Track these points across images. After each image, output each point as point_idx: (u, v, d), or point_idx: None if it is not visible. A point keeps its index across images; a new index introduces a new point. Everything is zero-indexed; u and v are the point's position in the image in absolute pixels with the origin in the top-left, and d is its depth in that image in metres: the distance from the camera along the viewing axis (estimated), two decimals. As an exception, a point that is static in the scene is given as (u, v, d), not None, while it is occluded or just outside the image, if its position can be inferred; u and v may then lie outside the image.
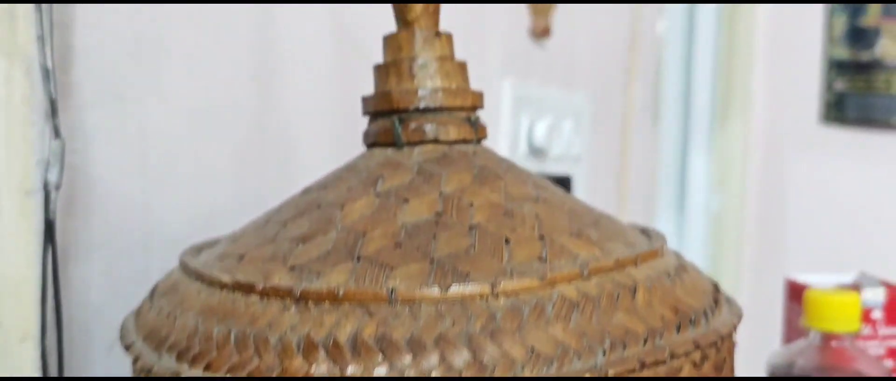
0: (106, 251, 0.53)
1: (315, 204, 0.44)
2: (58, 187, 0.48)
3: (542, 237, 0.39)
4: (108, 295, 0.53)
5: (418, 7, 0.47)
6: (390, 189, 0.42)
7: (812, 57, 2.22)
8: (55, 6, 0.49)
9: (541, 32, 1.05)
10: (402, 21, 0.48)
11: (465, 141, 0.46)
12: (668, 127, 2.30)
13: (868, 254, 2.11)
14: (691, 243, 2.35)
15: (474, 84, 0.96)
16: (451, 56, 0.48)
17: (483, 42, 0.96)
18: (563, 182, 1.04)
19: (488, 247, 0.38)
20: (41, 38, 0.47)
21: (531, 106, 1.05)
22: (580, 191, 1.17)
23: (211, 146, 0.60)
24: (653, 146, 1.58)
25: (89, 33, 0.51)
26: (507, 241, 0.38)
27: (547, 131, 1.04)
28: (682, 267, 0.43)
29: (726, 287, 1.78)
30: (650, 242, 0.44)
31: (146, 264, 0.55)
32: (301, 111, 0.68)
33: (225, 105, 0.61)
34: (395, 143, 0.45)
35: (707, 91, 2.32)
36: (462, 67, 0.48)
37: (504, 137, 1.01)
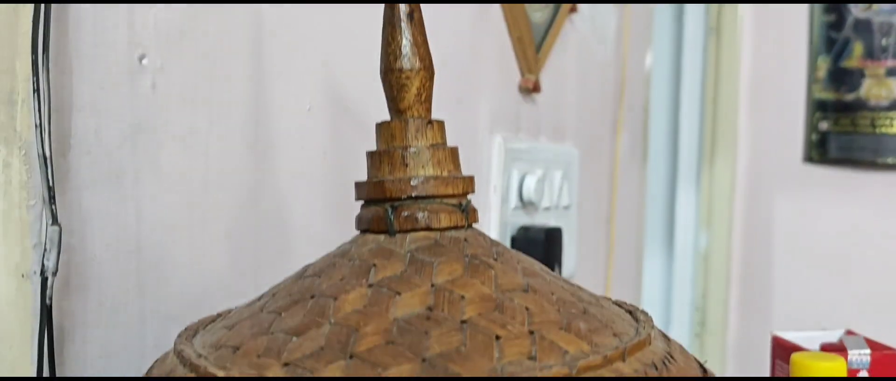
0: (102, 331, 0.53)
1: (309, 293, 0.44)
2: (55, 273, 0.48)
3: (531, 333, 0.40)
4: (105, 374, 0.54)
5: (410, 96, 0.48)
6: (383, 280, 0.43)
7: (796, 98, 2.25)
8: (54, 91, 0.50)
9: (531, 88, 1.07)
10: (395, 109, 0.49)
11: (456, 227, 0.47)
12: (656, 166, 2.32)
13: (853, 293, 2.13)
14: (679, 282, 2.37)
15: (466, 140, 0.98)
16: (443, 142, 0.49)
17: (475, 99, 0.97)
18: (554, 235, 1.05)
19: (479, 345, 0.38)
20: (39, 126, 0.48)
21: (521, 160, 1.06)
22: (570, 240, 1.18)
23: (206, 223, 0.61)
24: (640, 187, 1.60)
25: (87, 118, 0.52)
26: (497, 337, 0.39)
27: (537, 184, 1.06)
28: (670, 355, 0.44)
29: (714, 326, 1.77)
30: (638, 329, 0.45)
31: (141, 342, 0.55)
32: (295, 185, 0.69)
33: (219, 180, 0.62)
34: (387, 230, 0.46)
35: (694, 131, 2.35)
36: (453, 153, 0.49)
37: (495, 192, 1.02)
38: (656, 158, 2.29)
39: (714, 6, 2.31)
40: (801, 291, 2.22)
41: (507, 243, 1.03)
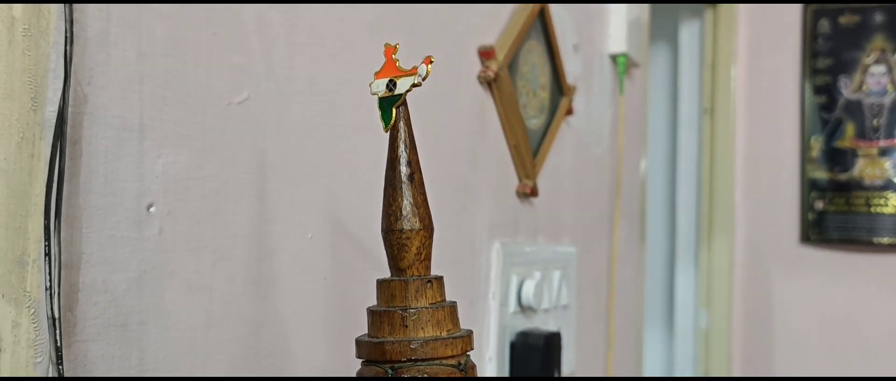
0: None
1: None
2: (59, 433, 0.49)
3: None
4: None
5: (410, 256, 0.50)
6: (384, 449, 0.44)
7: (791, 177, 2.28)
8: (64, 249, 0.51)
9: (529, 193, 1.09)
10: (395, 267, 0.50)
11: (455, 386, 0.48)
12: (654, 246, 2.33)
13: (850, 369, 2.12)
14: (681, 361, 2.36)
15: (465, 247, 0.99)
16: (443, 299, 0.50)
17: (474, 207, 0.99)
18: (553, 340, 1.06)
19: None
20: (50, 289, 0.49)
21: (520, 263, 1.07)
22: (569, 340, 1.19)
23: (208, 363, 0.61)
24: (639, 270, 1.60)
25: (95, 270, 0.54)
26: None
27: (535, 289, 1.07)
28: None
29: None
30: None
31: None
32: (297, 314, 0.70)
33: (222, 319, 0.63)
34: (388, 392, 0.47)
35: (691, 210, 2.37)
36: (453, 310, 0.50)
37: (494, 298, 1.03)
38: (654, 238, 2.31)
39: (708, 87, 2.36)
40: (802, 370, 2.21)
41: (506, 350, 1.04)
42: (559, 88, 1.18)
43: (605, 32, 1.39)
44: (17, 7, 0.50)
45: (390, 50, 0.52)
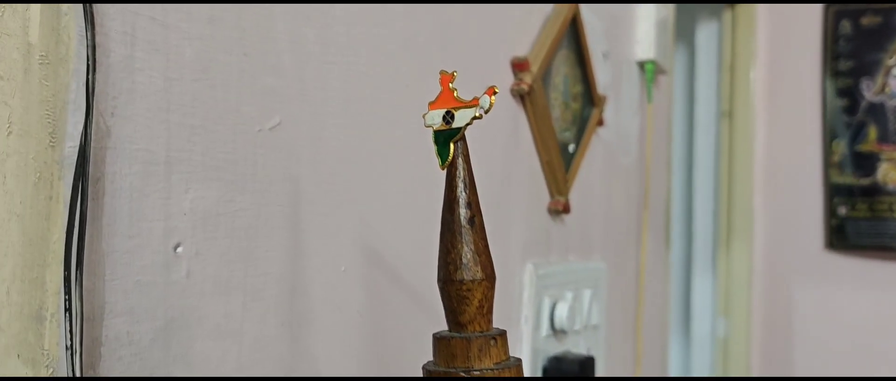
0: None
1: None
2: None
3: None
4: None
5: (472, 310, 0.45)
6: None
7: (813, 182, 2.22)
8: (86, 300, 0.46)
9: (561, 209, 1.04)
10: (455, 322, 0.45)
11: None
12: (672, 253, 2.28)
13: (879, 386, 2.07)
14: (698, 371, 2.31)
15: (498, 270, 0.94)
16: (508, 356, 0.45)
17: (506, 227, 0.94)
18: (587, 364, 1.01)
19: None
20: (69, 347, 0.44)
21: (552, 286, 1.02)
22: (599, 360, 1.13)
23: (240, 414, 0.57)
24: (665, 281, 1.55)
25: (119, 322, 0.49)
26: None
27: (569, 312, 1.02)
28: None
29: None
30: None
31: None
32: (331, 355, 0.65)
33: (254, 364, 0.58)
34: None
35: (708, 216, 2.31)
36: (518, 370, 0.45)
37: (526, 323, 0.98)
38: (672, 243, 2.25)
39: (726, 90, 2.30)
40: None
41: (538, 375, 0.99)
42: (590, 98, 1.13)
43: (632, 38, 1.34)
44: (34, 32, 0.44)
45: (447, 78, 0.47)
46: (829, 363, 2.16)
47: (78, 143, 0.46)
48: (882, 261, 2.15)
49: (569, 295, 1.05)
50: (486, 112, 0.45)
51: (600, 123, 1.17)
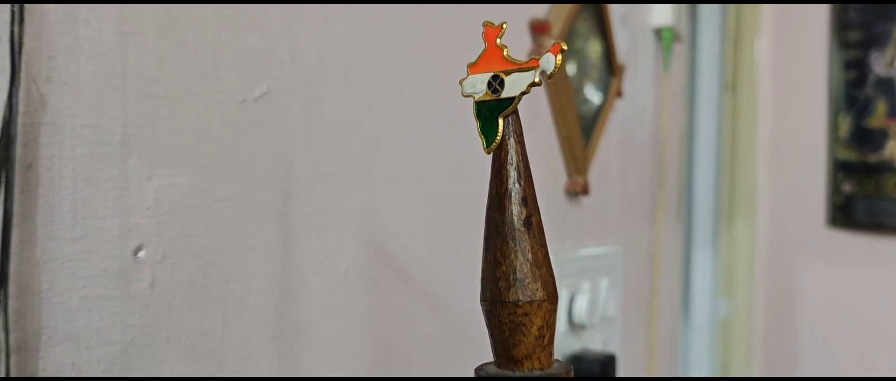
0: None
1: None
2: None
3: None
4: None
5: (530, 340, 0.34)
6: None
7: (817, 158, 2.13)
8: (16, 328, 0.35)
9: (580, 190, 0.93)
10: (506, 356, 0.34)
11: None
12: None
13: (879, 363, 2.00)
14: (696, 352, 2.23)
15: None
16: (572, 399, 0.35)
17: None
18: (608, 363, 0.91)
19: None
20: (-9, 393, 0.33)
21: (569, 275, 0.92)
22: (617, 352, 1.04)
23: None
24: (678, 263, 1.46)
25: (60, 351, 0.37)
26: None
27: (589, 305, 0.91)
28: None
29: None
30: None
31: None
32: (328, 370, 0.54)
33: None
34: None
35: (710, 192, 2.22)
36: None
37: (541, 319, 0.87)
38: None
39: (730, 61, 2.20)
40: (827, 362, 2.09)
41: (558, 378, 0.88)
42: (610, 67, 1.02)
43: (648, 3, 1.23)
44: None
45: (493, 32, 0.35)
46: (832, 342, 2.09)
47: (0, 117, 0.34)
48: (888, 239, 2.07)
49: (586, 286, 0.95)
50: (550, 77, 0.34)
51: (619, 94, 1.06)
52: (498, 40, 0.35)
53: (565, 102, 0.88)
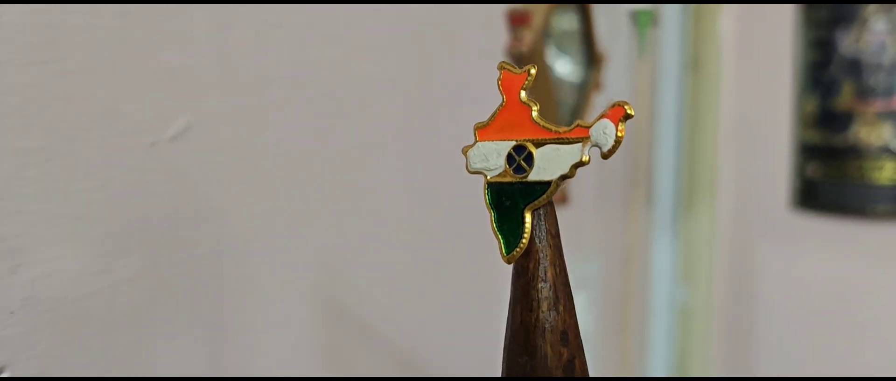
0: None
1: None
2: None
3: None
4: None
5: None
6: None
7: (781, 140, 2.08)
8: None
9: (559, 200, 0.82)
10: None
11: None
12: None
13: (841, 349, 1.97)
14: (655, 339, 2.17)
15: (482, 275, 0.72)
16: None
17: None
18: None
19: None
20: None
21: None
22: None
23: None
24: (647, 269, 1.38)
25: None
26: None
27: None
28: None
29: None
30: None
31: None
32: None
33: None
34: None
35: (670, 175, 2.15)
36: None
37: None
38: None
39: (691, 39, 2.12)
40: (789, 348, 2.05)
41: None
42: (590, 57, 0.91)
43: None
44: None
45: (515, 80, 0.24)
46: (794, 328, 2.05)
47: None
48: (851, 223, 2.03)
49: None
50: (606, 155, 0.22)
51: (597, 87, 0.95)
52: (522, 94, 0.24)
53: (544, 98, 0.77)
